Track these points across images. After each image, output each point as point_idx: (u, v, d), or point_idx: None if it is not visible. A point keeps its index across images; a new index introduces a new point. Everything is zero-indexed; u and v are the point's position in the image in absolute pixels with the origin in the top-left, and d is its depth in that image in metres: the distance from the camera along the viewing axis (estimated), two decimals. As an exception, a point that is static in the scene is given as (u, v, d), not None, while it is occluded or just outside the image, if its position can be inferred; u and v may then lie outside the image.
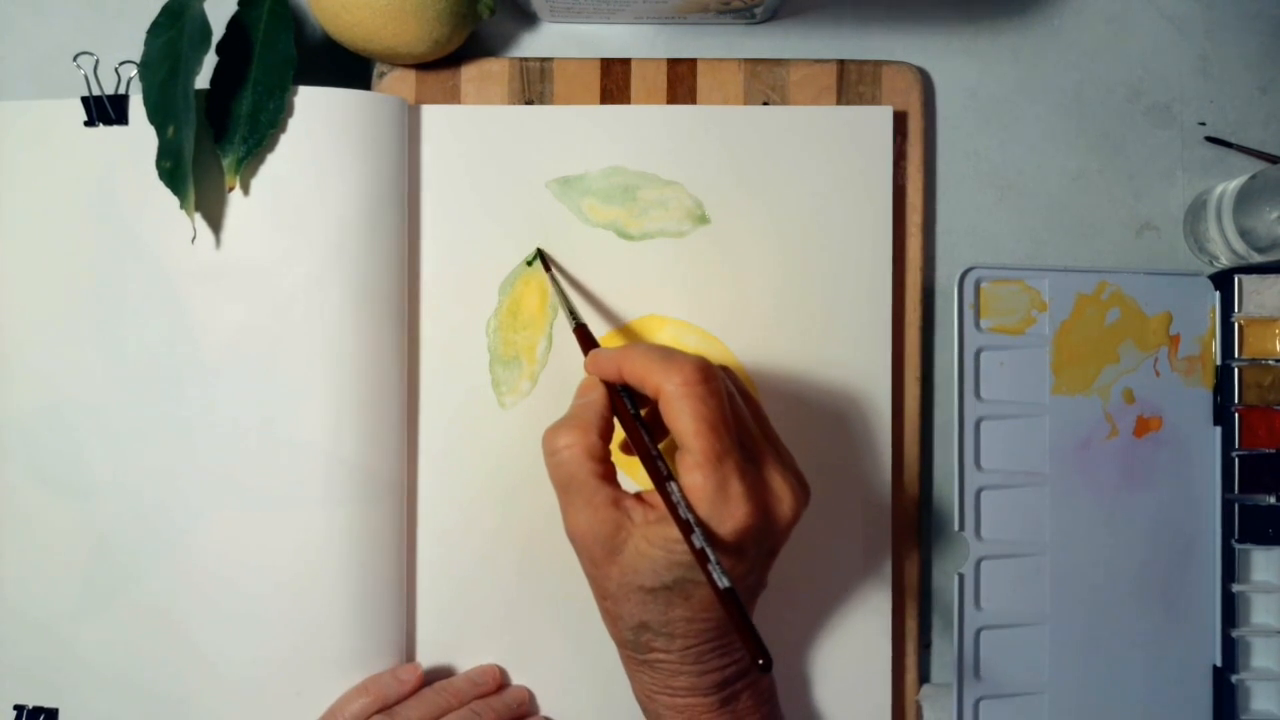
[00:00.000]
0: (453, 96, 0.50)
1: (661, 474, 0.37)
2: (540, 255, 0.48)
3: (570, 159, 0.49)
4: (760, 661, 0.33)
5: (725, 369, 0.43)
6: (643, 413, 0.40)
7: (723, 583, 0.34)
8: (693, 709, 0.40)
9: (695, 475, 0.36)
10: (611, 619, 0.40)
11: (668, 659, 0.39)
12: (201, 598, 0.46)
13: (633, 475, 0.48)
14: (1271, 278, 0.49)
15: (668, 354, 0.38)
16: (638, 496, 0.39)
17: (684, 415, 0.36)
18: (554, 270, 0.48)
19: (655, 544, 0.37)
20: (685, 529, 0.35)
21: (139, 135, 0.46)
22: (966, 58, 0.52)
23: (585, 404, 0.40)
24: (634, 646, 0.40)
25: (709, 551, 0.35)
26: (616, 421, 0.40)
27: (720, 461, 0.36)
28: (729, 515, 0.36)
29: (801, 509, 0.39)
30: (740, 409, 0.40)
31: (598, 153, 0.49)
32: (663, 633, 0.39)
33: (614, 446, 0.40)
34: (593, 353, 0.41)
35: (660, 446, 0.39)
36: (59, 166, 0.47)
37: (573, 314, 0.45)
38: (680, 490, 0.36)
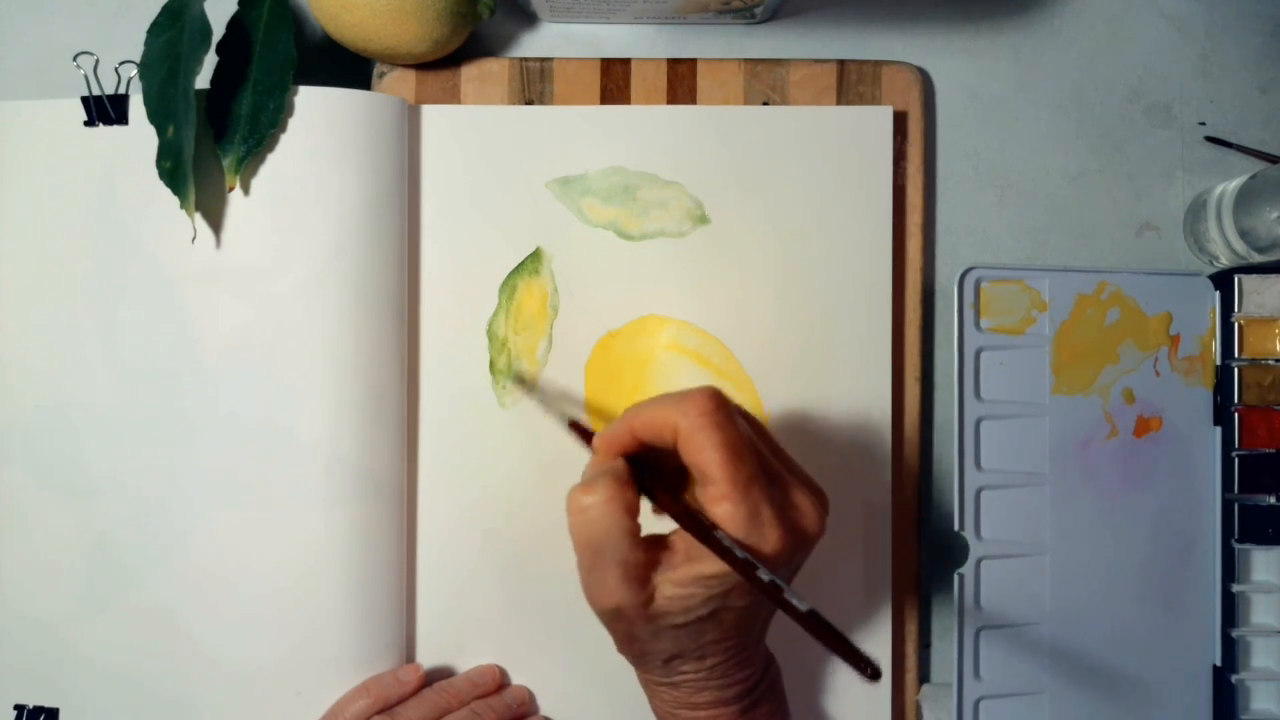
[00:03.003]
0: (453, 96, 0.50)
1: (705, 526, 0.36)
2: (518, 379, 0.48)
3: (570, 159, 0.49)
4: (869, 670, 0.32)
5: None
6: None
7: (804, 607, 0.34)
8: None
9: (725, 506, 0.36)
10: (638, 656, 0.39)
11: (695, 678, 0.39)
12: (201, 598, 0.46)
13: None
14: (1271, 278, 0.49)
15: (676, 394, 0.37)
16: (656, 546, 0.38)
17: (706, 446, 0.36)
18: (539, 391, 0.48)
19: (686, 585, 0.36)
20: (747, 570, 0.35)
21: (139, 135, 0.46)
22: (966, 58, 0.52)
23: (611, 467, 0.38)
24: (661, 672, 0.40)
25: (778, 582, 0.34)
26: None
27: (748, 489, 0.36)
28: (764, 541, 0.36)
29: (825, 521, 0.38)
30: (750, 432, 0.39)
31: (598, 153, 0.49)
32: (694, 656, 0.38)
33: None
34: (599, 434, 0.39)
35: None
36: (59, 166, 0.47)
37: (563, 413, 0.44)
38: (727, 534, 0.36)
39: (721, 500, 0.36)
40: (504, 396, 0.49)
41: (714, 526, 0.36)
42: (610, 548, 0.36)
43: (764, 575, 0.34)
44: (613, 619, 0.38)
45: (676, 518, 0.37)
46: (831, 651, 0.33)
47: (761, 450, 0.39)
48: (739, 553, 0.35)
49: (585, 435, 0.41)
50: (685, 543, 0.37)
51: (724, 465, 0.36)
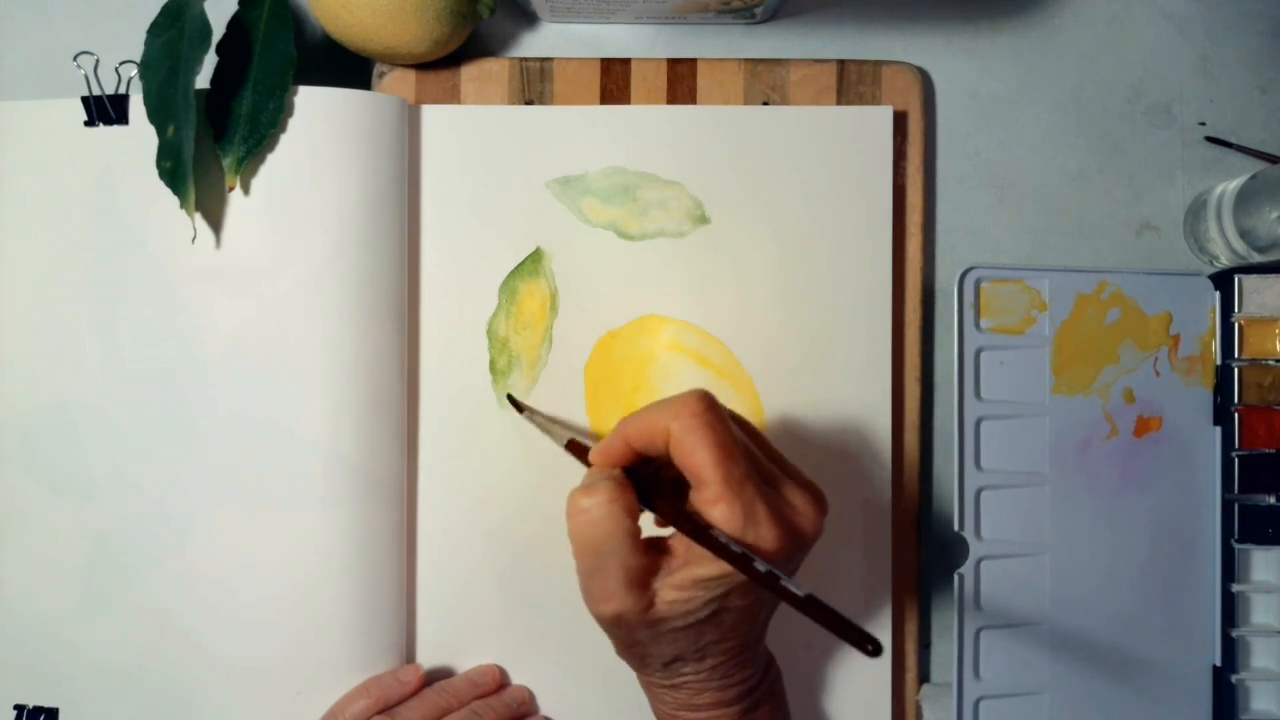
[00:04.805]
0: (453, 96, 0.50)
1: (700, 524, 0.36)
2: (511, 401, 0.48)
3: (570, 159, 0.49)
4: (869, 647, 0.32)
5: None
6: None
7: (802, 593, 0.34)
8: None
9: (720, 507, 0.36)
10: (639, 659, 0.40)
11: (696, 679, 0.39)
12: (201, 598, 0.46)
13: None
14: (1271, 278, 0.49)
15: (665, 400, 0.37)
16: (655, 550, 0.38)
17: (698, 447, 0.36)
18: (528, 410, 0.48)
19: (686, 588, 0.36)
20: (744, 564, 0.35)
21: (139, 135, 0.46)
22: (966, 58, 0.52)
23: (609, 473, 0.38)
24: (663, 675, 0.40)
25: (775, 571, 0.34)
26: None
27: (741, 488, 0.36)
28: (761, 539, 0.36)
29: (823, 519, 0.38)
30: (741, 435, 0.39)
31: (598, 153, 0.49)
32: (693, 658, 0.39)
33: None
34: (595, 448, 0.40)
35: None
36: (59, 166, 0.47)
37: (558, 433, 0.44)
38: (723, 532, 0.36)
39: (716, 502, 0.36)
40: (504, 397, 0.49)
41: (710, 526, 0.36)
42: (611, 550, 0.36)
43: (761, 566, 0.35)
44: (613, 625, 0.38)
45: (674, 522, 0.37)
46: (833, 633, 0.34)
47: (754, 452, 0.38)
48: (735, 548, 0.35)
49: (582, 452, 0.41)
50: (683, 546, 0.37)
51: (717, 465, 0.35)
